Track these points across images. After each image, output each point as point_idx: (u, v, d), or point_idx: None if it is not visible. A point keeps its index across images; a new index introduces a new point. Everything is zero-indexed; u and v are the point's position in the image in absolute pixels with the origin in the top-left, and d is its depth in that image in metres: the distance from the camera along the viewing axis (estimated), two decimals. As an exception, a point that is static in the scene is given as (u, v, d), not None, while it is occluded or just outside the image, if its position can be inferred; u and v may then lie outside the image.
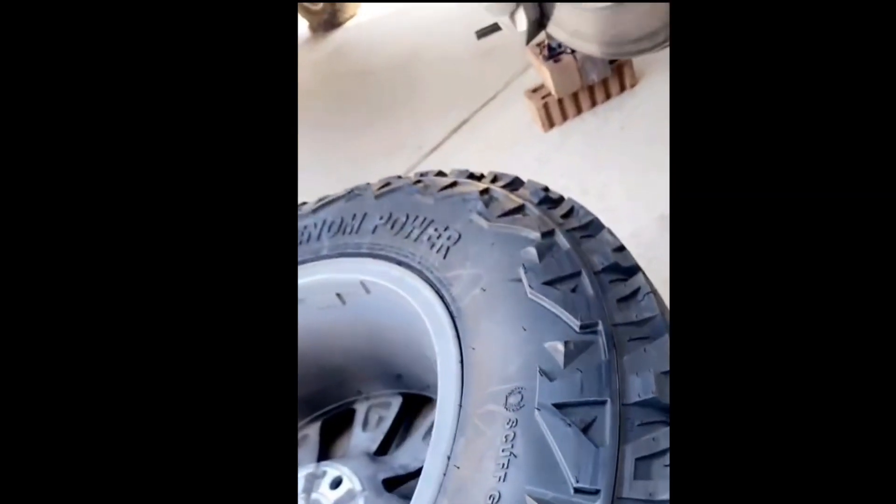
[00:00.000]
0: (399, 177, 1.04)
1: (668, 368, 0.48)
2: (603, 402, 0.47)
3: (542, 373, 0.50)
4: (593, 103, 1.70)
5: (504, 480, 0.45)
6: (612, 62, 1.64)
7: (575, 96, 1.68)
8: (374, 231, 0.89)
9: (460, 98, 2.14)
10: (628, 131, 1.54)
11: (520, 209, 0.73)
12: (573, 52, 1.63)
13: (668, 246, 1.19)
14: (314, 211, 1.01)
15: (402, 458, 0.93)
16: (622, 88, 1.69)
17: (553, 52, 1.67)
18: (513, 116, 1.88)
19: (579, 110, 1.70)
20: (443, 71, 2.41)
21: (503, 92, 2.08)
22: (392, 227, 0.86)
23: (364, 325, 0.94)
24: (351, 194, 0.99)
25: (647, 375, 0.47)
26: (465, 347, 0.62)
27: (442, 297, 0.72)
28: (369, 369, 1.02)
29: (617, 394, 0.47)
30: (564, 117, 1.71)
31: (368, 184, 1.04)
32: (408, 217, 0.85)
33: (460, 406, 0.56)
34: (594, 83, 1.66)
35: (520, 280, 0.61)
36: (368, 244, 0.88)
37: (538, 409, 0.47)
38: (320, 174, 2.11)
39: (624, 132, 1.55)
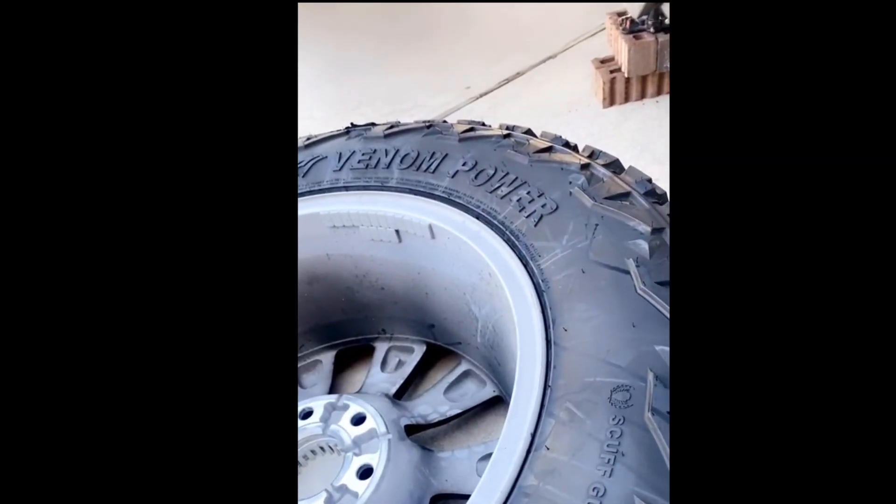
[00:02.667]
0: (482, 123, 0.99)
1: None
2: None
3: (657, 377, 0.50)
4: (659, 91, 1.65)
5: (610, 476, 0.45)
6: (690, 54, 1.58)
7: (644, 79, 1.62)
8: (453, 175, 0.85)
9: (518, 48, 2.04)
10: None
11: (626, 196, 0.71)
12: (655, 32, 1.55)
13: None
14: (386, 136, 0.95)
15: (420, 408, 0.93)
16: (693, 84, 1.64)
17: (635, 27, 1.60)
18: (572, 81, 1.81)
19: (643, 95, 1.65)
20: (502, 14, 2.28)
21: (565, 53, 1.99)
22: (476, 177, 0.83)
23: (415, 268, 0.92)
24: (431, 129, 0.94)
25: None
26: (553, 325, 0.61)
27: (526, 265, 0.70)
28: (402, 312, 1.01)
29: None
30: (627, 98, 1.65)
31: (448, 122, 0.98)
32: (496, 171, 0.82)
33: (547, 385, 0.56)
34: (666, 71, 1.60)
35: (628, 272, 0.60)
36: (445, 188, 0.84)
37: (651, 413, 0.47)
38: (358, 95, 2.00)
39: (686, 131, 1.51)
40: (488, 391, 0.97)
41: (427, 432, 0.96)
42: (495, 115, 1.76)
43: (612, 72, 1.62)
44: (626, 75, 1.60)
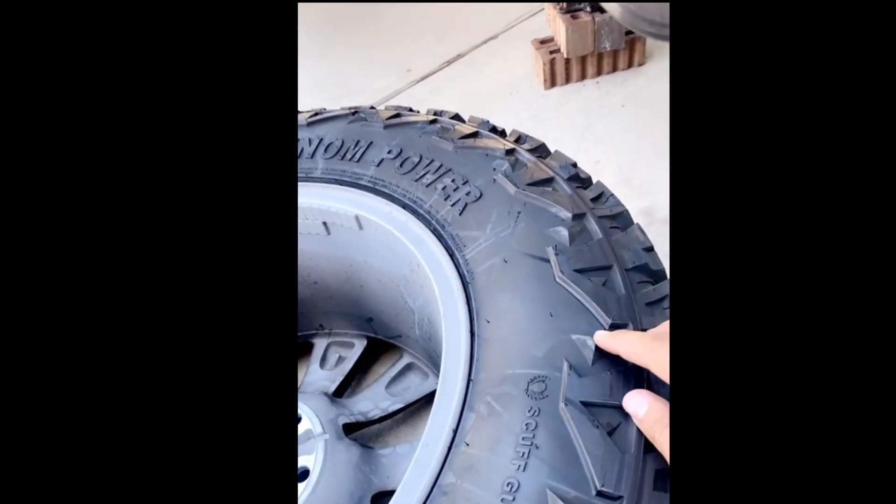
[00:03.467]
0: (410, 109, 0.96)
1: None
2: (629, 409, 0.46)
3: (571, 367, 0.49)
4: (599, 72, 1.65)
5: (524, 470, 0.44)
6: (627, 33, 1.58)
7: (583, 60, 1.62)
8: (379, 164, 0.82)
9: (459, 29, 2.00)
10: (629, 110, 1.52)
11: (549, 181, 0.70)
12: (592, 12, 1.55)
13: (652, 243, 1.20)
14: (309, 124, 0.91)
15: (361, 404, 0.91)
16: (630, 64, 1.65)
17: (572, 7, 1.59)
18: (513, 62, 1.79)
19: (584, 76, 1.65)
20: (443, -7, 2.23)
21: (506, 33, 1.97)
22: (402, 165, 0.80)
23: (346, 261, 0.89)
24: (355, 116, 0.90)
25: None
26: (477, 317, 0.60)
27: (452, 256, 0.68)
28: (338, 306, 0.98)
29: (644, 402, 0.47)
30: (568, 79, 1.65)
31: (374, 109, 0.95)
32: (421, 158, 0.79)
33: (469, 380, 0.54)
34: (605, 51, 1.60)
35: (547, 260, 0.59)
36: (371, 177, 0.81)
37: (565, 404, 0.47)
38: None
39: (624, 110, 1.53)
40: (431, 384, 0.96)
41: (372, 429, 0.95)
42: (437, 98, 1.73)
43: (551, 52, 1.61)
44: (565, 56, 1.59)
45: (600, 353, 0.50)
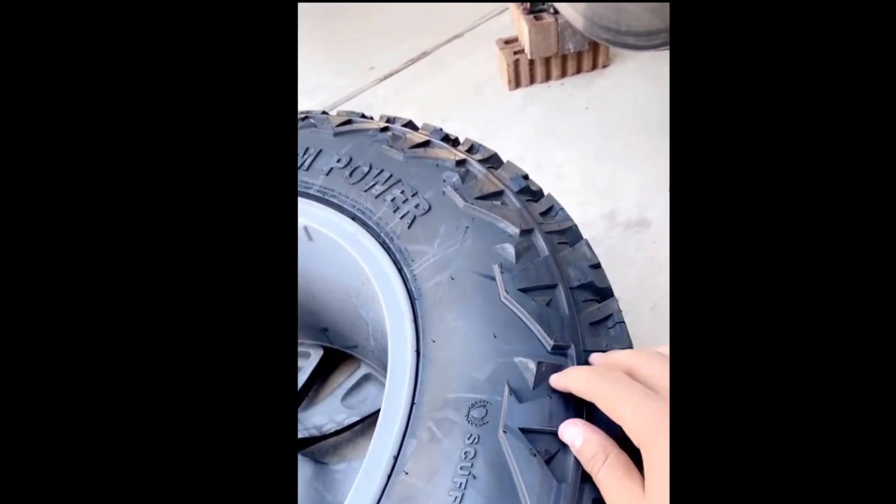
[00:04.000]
0: (362, 115, 0.94)
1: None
2: (569, 434, 0.46)
3: (512, 391, 0.48)
4: (563, 73, 1.65)
5: (461, 501, 0.43)
6: (590, 35, 1.58)
7: (547, 61, 1.61)
8: (328, 173, 0.79)
9: (424, 26, 1.97)
10: (592, 113, 1.53)
11: (499, 194, 0.69)
12: (555, 13, 1.55)
13: (608, 247, 1.21)
14: (258, 132, 0.87)
15: (315, 418, 0.89)
16: (594, 66, 1.65)
17: (535, 8, 1.58)
18: (478, 62, 1.78)
19: (548, 77, 1.65)
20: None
21: (471, 32, 1.95)
22: (351, 174, 0.78)
23: (298, 271, 0.86)
24: (305, 121, 0.88)
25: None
26: (423, 337, 0.58)
27: (401, 271, 0.67)
28: (292, 315, 0.95)
29: (583, 428, 0.46)
30: (532, 80, 1.64)
31: (326, 114, 0.92)
32: (371, 168, 0.77)
33: (413, 403, 0.53)
34: (569, 53, 1.60)
35: (493, 278, 0.58)
36: (320, 187, 0.79)
37: (504, 431, 0.46)
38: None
39: (588, 113, 1.53)
40: (387, 393, 0.94)
41: (329, 442, 0.93)
42: (400, 97, 1.71)
43: (515, 53, 1.60)
44: (529, 57, 1.58)
45: (541, 377, 0.49)
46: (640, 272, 1.11)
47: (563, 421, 0.46)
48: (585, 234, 1.22)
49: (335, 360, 1.03)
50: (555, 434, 0.46)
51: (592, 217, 1.22)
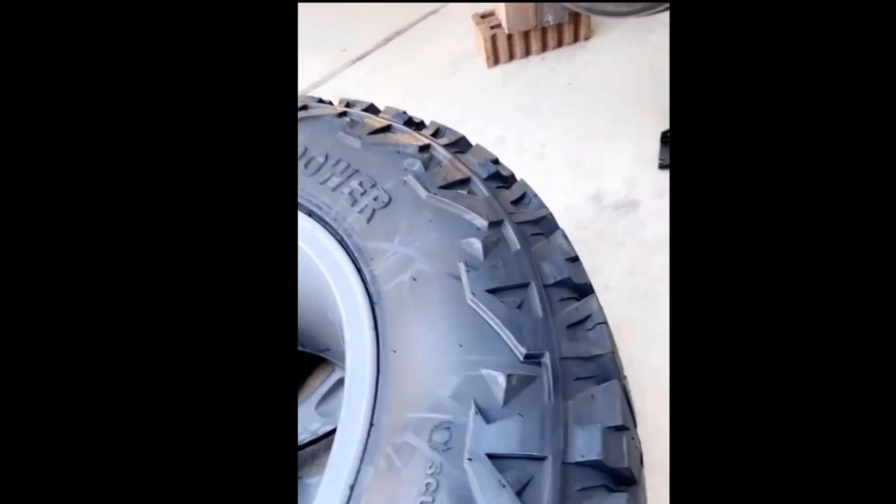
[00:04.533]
0: (320, 100, 0.86)
1: (616, 423, 0.42)
2: (542, 459, 0.40)
3: (479, 410, 0.42)
4: (544, 47, 1.57)
5: (418, 546, 0.37)
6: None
7: (526, 35, 1.53)
8: (282, 167, 0.72)
9: (396, 4, 1.87)
10: (575, 88, 1.45)
11: (465, 182, 0.62)
12: (534, -18, 1.46)
13: (596, 231, 1.15)
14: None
15: (285, 427, 0.83)
16: (576, 38, 1.57)
17: (512, -22, 1.49)
18: (453, 39, 1.69)
19: (528, 52, 1.56)
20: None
21: (445, 7, 1.85)
22: (307, 165, 0.71)
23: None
24: (257, 111, 0.80)
25: (594, 431, 0.41)
26: (384, 347, 0.52)
27: (360, 272, 0.60)
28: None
29: (559, 451, 0.40)
30: (511, 56, 1.56)
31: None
32: (327, 158, 0.70)
33: (371, 424, 0.47)
34: (549, 25, 1.51)
35: (459, 278, 0.52)
36: (274, 182, 0.72)
37: (469, 459, 0.40)
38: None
39: (571, 88, 1.45)
40: (364, 397, 0.89)
41: (306, 451, 0.87)
42: (374, 80, 1.62)
43: (492, 28, 1.52)
44: (507, 31, 1.50)
45: (512, 392, 0.43)
46: (630, 256, 1.05)
47: (535, 445, 0.40)
48: (571, 217, 1.16)
49: (309, 364, 0.97)
50: (528, 458, 0.40)
51: (578, 199, 1.15)
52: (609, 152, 1.26)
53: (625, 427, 0.42)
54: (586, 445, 0.40)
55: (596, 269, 1.01)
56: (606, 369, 0.46)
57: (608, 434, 0.41)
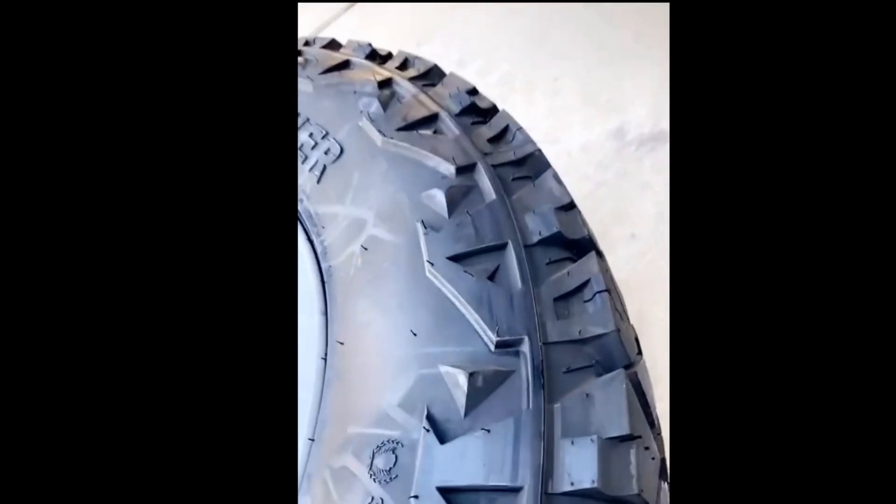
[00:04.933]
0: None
1: (620, 432, 0.30)
2: (516, 491, 0.29)
3: (432, 424, 0.31)
4: (554, -35, 1.36)
5: None
6: None
7: (533, -48, 1.33)
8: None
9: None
10: (592, 6, 1.25)
11: (431, 120, 0.49)
12: None
13: (619, 171, 0.99)
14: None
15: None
16: (591, -51, 1.35)
17: None
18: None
19: (536, -28, 1.36)
20: None
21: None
22: (253, 121, 0.59)
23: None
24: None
25: (588, 446, 0.29)
26: (331, 337, 0.42)
27: (311, 242, 0.49)
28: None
29: (539, 478, 0.29)
30: (517, -21, 1.37)
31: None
32: (276, 109, 0.58)
33: (311, 440, 0.37)
34: (559, -63, 1.31)
35: (417, 243, 0.40)
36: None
37: (415, 497, 0.29)
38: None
39: (587, 11, 1.26)
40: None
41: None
42: (368, 25, 1.47)
43: (493, -52, 1.32)
44: (510, -50, 1.30)
45: (477, 396, 0.32)
46: (660, 198, 0.90)
47: (508, 469, 0.29)
48: (590, 158, 1.00)
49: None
50: (495, 491, 0.29)
51: (597, 137, 1.00)
52: (630, 80, 1.08)
53: (633, 436, 0.30)
54: (578, 468, 0.29)
55: (620, 216, 0.86)
56: (609, 355, 0.34)
57: (608, 449, 0.29)
